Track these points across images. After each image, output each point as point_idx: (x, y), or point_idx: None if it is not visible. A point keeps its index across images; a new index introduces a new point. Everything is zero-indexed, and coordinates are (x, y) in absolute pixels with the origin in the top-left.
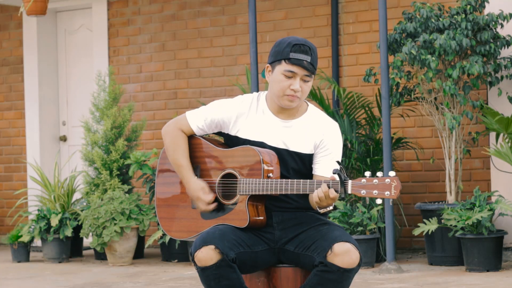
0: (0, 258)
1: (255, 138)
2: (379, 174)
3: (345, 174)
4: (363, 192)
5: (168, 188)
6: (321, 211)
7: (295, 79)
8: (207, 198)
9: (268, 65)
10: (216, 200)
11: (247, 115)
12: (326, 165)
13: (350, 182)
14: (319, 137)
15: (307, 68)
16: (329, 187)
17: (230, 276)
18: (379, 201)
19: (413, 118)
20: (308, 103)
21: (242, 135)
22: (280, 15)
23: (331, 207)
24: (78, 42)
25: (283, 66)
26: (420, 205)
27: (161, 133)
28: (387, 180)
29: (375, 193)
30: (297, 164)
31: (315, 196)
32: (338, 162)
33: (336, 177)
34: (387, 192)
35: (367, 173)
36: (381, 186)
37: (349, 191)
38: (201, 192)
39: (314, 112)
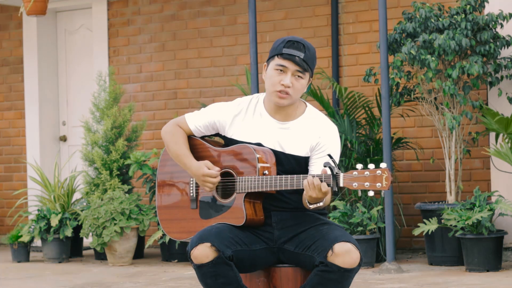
0: (0, 258)
1: (252, 140)
2: (370, 166)
3: (337, 168)
4: (355, 185)
5: (168, 190)
6: (311, 207)
7: (286, 74)
8: (213, 172)
9: (265, 63)
10: (214, 199)
11: (244, 117)
12: (321, 167)
13: (342, 175)
14: (315, 139)
15: (299, 64)
16: (321, 181)
17: (227, 273)
18: (371, 193)
19: (413, 118)
20: (307, 104)
21: (238, 137)
22: (280, 15)
23: (321, 203)
24: (78, 42)
25: (276, 61)
26: (420, 205)
27: (161, 133)
28: (378, 171)
29: (367, 185)
30: (292, 167)
31: (306, 187)
32: (329, 155)
33: (328, 170)
34: (378, 184)
35: (359, 166)
36: (372, 178)
37: (341, 184)
38: (205, 168)
39: (312, 113)
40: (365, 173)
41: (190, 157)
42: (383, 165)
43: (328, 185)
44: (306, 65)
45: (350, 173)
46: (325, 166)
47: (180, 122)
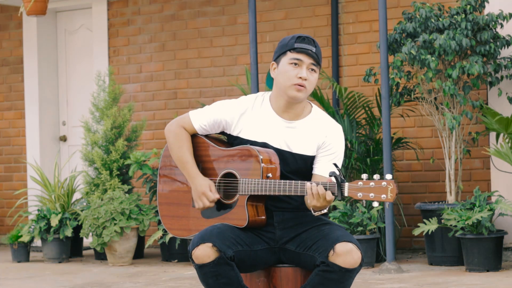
0: (0, 258)
1: (258, 139)
2: (376, 176)
3: (342, 177)
4: (359, 195)
5: (170, 186)
6: (316, 214)
7: (301, 68)
8: (212, 196)
9: (273, 62)
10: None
11: (250, 115)
12: (325, 165)
13: (347, 184)
14: (322, 138)
15: (313, 57)
16: (326, 189)
17: (228, 274)
18: (375, 204)
19: (413, 118)
20: (312, 104)
21: (245, 135)
22: (280, 15)
23: (325, 210)
24: (78, 42)
25: (289, 56)
26: (420, 205)
27: (161, 133)
28: (384, 183)
29: (372, 196)
30: (299, 166)
31: (310, 197)
32: (335, 164)
33: (333, 179)
34: (383, 196)
35: (364, 176)
36: (378, 189)
37: (346, 194)
38: (207, 189)
39: (318, 113)
40: (371, 184)
41: (195, 167)
42: (388, 176)
43: (333, 193)
44: (318, 59)
45: (355, 183)
46: (330, 176)
47: (185, 121)
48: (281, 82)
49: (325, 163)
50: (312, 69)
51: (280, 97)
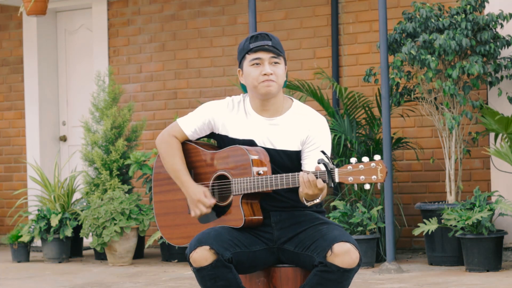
0: (0, 258)
1: (245, 137)
2: (364, 159)
3: (331, 163)
4: (350, 179)
5: (165, 196)
6: (309, 204)
7: (263, 65)
8: (208, 202)
9: (239, 69)
10: None
11: (235, 115)
12: (314, 160)
13: (336, 170)
14: (305, 133)
15: (271, 50)
16: (316, 177)
17: (226, 276)
18: (367, 186)
19: (413, 118)
20: (293, 99)
21: (231, 134)
22: (280, 15)
23: (317, 200)
24: (78, 42)
25: (248, 58)
26: (420, 205)
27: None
28: (373, 164)
29: (362, 178)
30: (284, 162)
31: (302, 185)
32: (322, 152)
33: (322, 167)
34: (373, 177)
35: (353, 160)
36: (367, 171)
37: (337, 180)
38: (202, 196)
39: (299, 107)
40: (360, 166)
41: (188, 176)
42: (377, 157)
43: (324, 181)
44: (277, 50)
45: (345, 168)
46: (319, 163)
47: (174, 130)
48: (250, 85)
49: (314, 157)
50: (275, 62)
51: (255, 98)
